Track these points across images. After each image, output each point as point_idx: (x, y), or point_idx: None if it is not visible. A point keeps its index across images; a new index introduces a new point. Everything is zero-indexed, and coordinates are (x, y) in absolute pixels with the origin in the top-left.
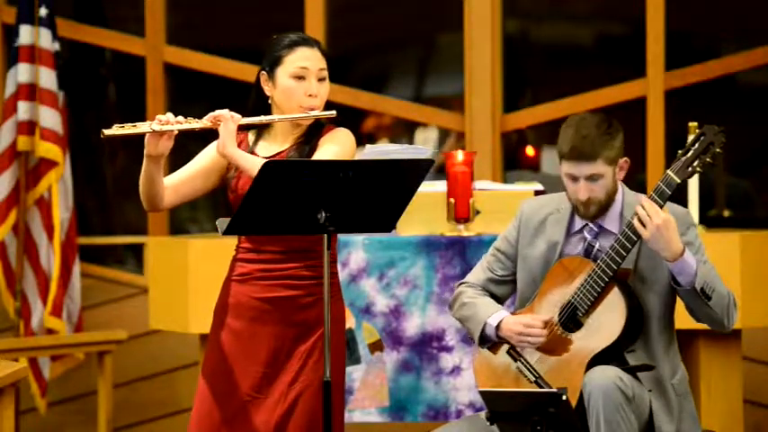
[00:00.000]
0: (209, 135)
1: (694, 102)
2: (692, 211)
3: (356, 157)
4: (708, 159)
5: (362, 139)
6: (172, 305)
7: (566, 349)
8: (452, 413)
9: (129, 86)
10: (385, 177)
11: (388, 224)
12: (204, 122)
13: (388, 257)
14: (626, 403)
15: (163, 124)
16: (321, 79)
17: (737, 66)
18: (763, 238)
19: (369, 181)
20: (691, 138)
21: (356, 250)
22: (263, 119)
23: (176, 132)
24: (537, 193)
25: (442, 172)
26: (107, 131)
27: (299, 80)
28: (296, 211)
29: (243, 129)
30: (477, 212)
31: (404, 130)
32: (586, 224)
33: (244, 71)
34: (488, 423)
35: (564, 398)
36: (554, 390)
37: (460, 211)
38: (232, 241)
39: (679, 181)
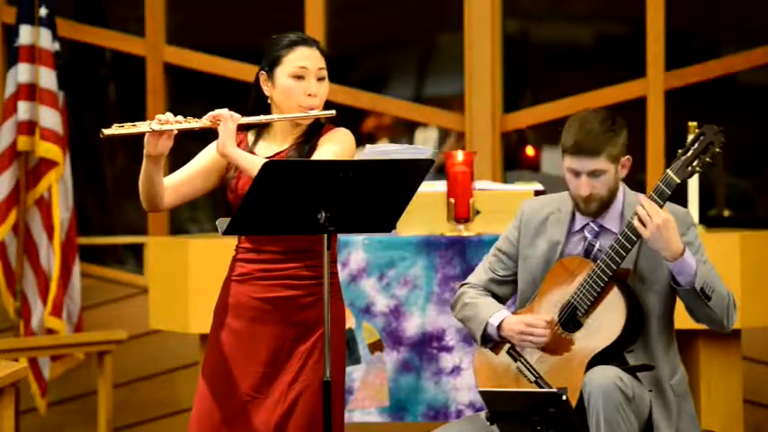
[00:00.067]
0: (209, 135)
1: (694, 102)
2: (692, 210)
3: (356, 157)
4: (708, 159)
5: (362, 139)
6: (172, 305)
7: (566, 349)
8: (452, 413)
9: (129, 86)
10: (385, 177)
11: (388, 224)
12: (204, 122)
13: (388, 257)
14: (626, 403)
15: (162, 124)
16: (320, 79)
17: (737, 66)
18: (763, 238)
19: (369, 181)
20: (690, 138)
21: (356, 250)
22: (262, 118)
23: (176, 132)
24: (537, 193)
25: (442, 172)
26: (106, 131)
27: (299, 80)
28: (296, 211)
29: (242, 128)
30: (477, 212)
31: (404, 130)
32: (587, 224)
33: (244, 71)
34: (488, 423)
35: (564, 398)
36: (554, 390)
37: (460, 211)
38: (232, 241)
39: (679, 181)
